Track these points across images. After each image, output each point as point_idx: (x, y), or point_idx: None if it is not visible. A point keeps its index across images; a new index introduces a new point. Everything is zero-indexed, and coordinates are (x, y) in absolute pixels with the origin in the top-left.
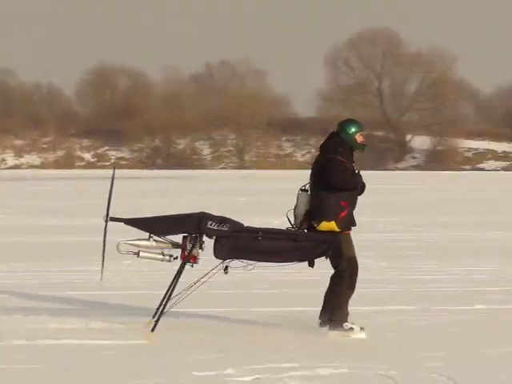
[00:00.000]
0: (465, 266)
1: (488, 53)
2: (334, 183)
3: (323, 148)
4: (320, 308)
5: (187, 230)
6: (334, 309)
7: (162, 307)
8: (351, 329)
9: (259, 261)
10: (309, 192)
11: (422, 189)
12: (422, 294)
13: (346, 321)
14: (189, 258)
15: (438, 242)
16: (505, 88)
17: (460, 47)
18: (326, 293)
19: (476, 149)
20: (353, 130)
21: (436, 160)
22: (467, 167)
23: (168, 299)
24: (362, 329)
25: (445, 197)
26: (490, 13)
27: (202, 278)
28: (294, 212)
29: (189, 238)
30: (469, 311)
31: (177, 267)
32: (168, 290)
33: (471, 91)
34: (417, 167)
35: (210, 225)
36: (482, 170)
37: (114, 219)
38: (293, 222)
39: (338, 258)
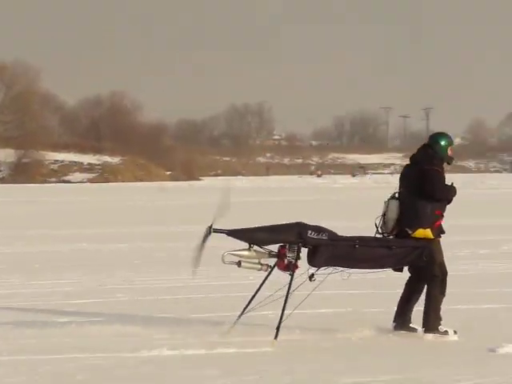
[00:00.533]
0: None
1: (73, 66)
2: (438, 195)
3: (417, 159)
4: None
5: (288, 239)
6: (430, 313)
7: (280, 319)
8: (446, 332)
9: (353, 267)
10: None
11: (9, 202)
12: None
13: (440, 324)
14: (292, 267)
15: (23, 257)
16: (90, 99)
17: (45, 61)
18: (402, 297)
19: (62, 161)
20: (446, 142)
21: (22, 173)
22: (53, 179)
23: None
24: (455, 332)
25: (32, 209)
26: None
27: (318, 285)
28: (384, 218)
29: (288, 247)
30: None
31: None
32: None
33: (57, 103)
34: (2, 180)
35: (310, 234)
36: (69, 182)
37: (217, 231)
38: (381, 228)
39: (432, 264)
